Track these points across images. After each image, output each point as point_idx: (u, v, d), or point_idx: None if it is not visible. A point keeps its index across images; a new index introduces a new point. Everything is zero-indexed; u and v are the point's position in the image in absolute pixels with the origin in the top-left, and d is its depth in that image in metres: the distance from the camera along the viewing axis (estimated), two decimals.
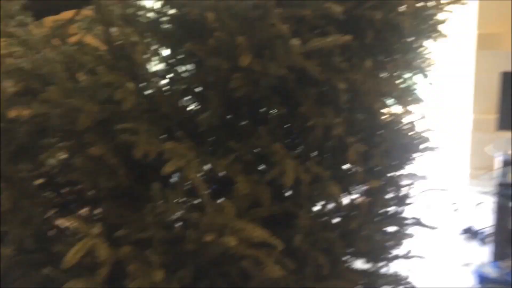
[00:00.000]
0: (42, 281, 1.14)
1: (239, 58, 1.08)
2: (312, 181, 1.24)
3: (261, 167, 1.24)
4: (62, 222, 1.24)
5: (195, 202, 1.15)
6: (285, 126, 1.30)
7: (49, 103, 1.05)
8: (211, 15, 1.09)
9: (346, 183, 1.36)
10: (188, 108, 1.28)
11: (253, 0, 1.08)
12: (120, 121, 1.08)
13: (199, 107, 1.25)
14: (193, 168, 1.07)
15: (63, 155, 1.17)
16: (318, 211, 1.34)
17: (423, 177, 3.59)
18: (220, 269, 1.16)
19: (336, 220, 1.39)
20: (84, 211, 1.26)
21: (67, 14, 1.54)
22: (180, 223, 1.14)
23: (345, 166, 1.39)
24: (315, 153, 1.32)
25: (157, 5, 1.27)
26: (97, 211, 1.23)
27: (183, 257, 1.10)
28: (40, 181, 1.22)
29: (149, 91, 1.28)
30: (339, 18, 1.19)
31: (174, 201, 1.09)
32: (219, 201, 1.13)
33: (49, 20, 1.40)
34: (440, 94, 4.44)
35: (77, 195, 1.28)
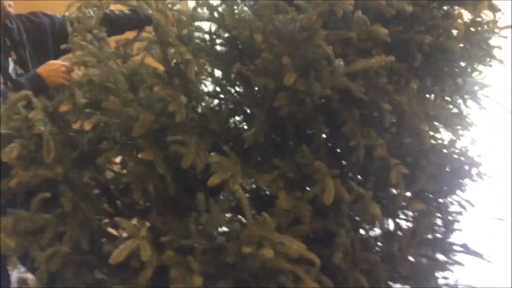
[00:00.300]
0: (92, 283, 1.22)
1: (284, 77, 1.13)
2: (354, 201, 1.25)
3: (303, 184, 1.27)
4: (114, 230, 1.33)
5: (237, 214, 1.20)
6: (328, 145, 1.32)
7: (110, 112, 1.15)
8: (259, 37, 1.16)
9: (389, 205, 1.35)
10: (235, 125, 1.34)
11: (300, 22, 1.13)
12: (172, 132, 1.15)
13: (245, 124, 1.31)
14: (237, 181, 1.12)
15: (118, 163, 1.27)
16: (360, 232, 1.34)
17: (475, 204, 3.37)
18: (258, 283, 1.18)
19: (378, 242, 1.38)
20: (134, 220, 1.34)
21: (129, 34, 1.67)
22: (222, 234, 1.19)
23: (388, 189, 1.39)
24: (358, 173, 1.33)
25: (209, 26, 1.36)
26: (146, 221, 1.31)
27: (223, 268, 1.15)
28: (97, 191, 1.32)
29: (200, 108, 1.36)
30: (385, 41, 1.21)
31: (218, 212, 1.14)
32: (260, 215, 1.16)
33: (113, 39, 1.52)
34: (494, 118, 4.24)
35: (128, 206, 1.37)
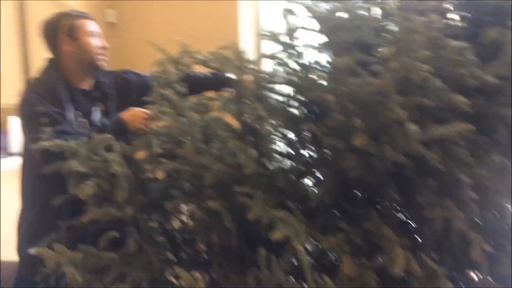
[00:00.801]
0: None
1: (355, 139, 1.12)
2: (425, 277, 1.16)
3: (370, 252, 1.20)
4: (174, 279, 1.33)
5: (298, 275, 1.15)
6: (399, 214, 1.26)
7: (182, 160, 1.19)
8: (332, 98, 1.17)
9: (466, 286, 1.23)
10: (303, 185, 1.33)
11: (374, 85, 1.14)
12: (240, 184, 1.17)
13: (313, 183, 1.29)
14: (299, 240, 1.09)
15: (185, 213, 1.29)
16: None
17: None
18: None
19: None
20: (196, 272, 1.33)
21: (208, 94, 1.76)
22: None
23: (466, 270, 1.27)
24: (432, 247, 1.24)
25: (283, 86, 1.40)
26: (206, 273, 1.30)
27: None
28: (162, 238, 1.34)
29: (270, 166, 1.38)
30: (465, 111, 1.18)
31: (278, 270, 1.11)
32: (322, 278, 1.11)
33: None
34: None
35: (191, 256, 1.37)
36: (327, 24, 1.38)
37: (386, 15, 1.47)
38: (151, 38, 4.14)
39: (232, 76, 1.96)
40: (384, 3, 1.47)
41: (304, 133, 1.44)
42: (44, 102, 1.69)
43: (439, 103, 1.18)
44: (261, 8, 3.65)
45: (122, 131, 1.70)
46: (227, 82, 1.96)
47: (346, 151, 1.16)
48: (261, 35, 1.54)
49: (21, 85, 4.46)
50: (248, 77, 1.95)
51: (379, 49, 1.25)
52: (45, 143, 1.39)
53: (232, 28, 3.65)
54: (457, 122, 1.14)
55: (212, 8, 3.73)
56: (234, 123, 1.43)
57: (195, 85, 1.87)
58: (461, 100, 1.16)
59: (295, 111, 1.50)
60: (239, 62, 1.29)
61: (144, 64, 3.95)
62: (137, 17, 4.00)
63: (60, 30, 1.80)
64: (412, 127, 1.09)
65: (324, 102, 1.26)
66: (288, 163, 1.48)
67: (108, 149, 1.36)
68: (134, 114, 1.75)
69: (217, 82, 1.92)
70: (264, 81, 1.33)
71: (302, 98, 1.45)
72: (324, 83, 1.28)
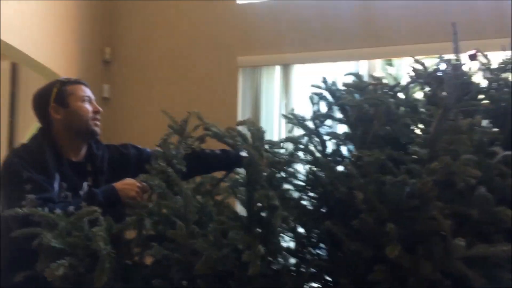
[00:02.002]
0: None
1: (386, 248, 0.94)
2: None
3: None
4: None
5: None
6: None
7: (172, 245, 1.00)
8: (360, 195, 1.01)
9: None
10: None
11: (411, 187, 0.98)
12: (238, 281, 0.97)
13: None
14: None
15: None
16: None
17: None
18: None
19: None
20: None
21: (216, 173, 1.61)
22: None
23: None
24: None
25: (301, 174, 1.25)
26: None
27: None
28: None
29: (276, 265, 1.18)
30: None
31: None
32: None
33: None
34: None
35: None
36: (356, 113, 1.26)
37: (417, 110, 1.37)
38: (144, 112, 4.08)
39: (244, 154, 1.82)
40: (417, 100, 1.37)
41: (316, 230, 1.27)
42: (29, 168, 1.53)
43: (482, 215, 1.02)
44: (260, 75, 3.59)
45: (113, 201, 1.51)
46: (238, 162, 1.82)
47: (373, 260, 0.98)
48: (284, 117, 1.41)
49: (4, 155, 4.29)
50: (263, 156, 1.82)
51: (415, 148, 1.11)
52: (21, 210, 1.20)
53: (231, 100, 3.59)
54: (505, 243, 0.97)
55: (211, 78, 3.70)
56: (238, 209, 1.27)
57: (203, 162, 1.72)
58: (507, 214, 1.01)
59: (309, 204, 1.34)
60: (257, 141, 1.14)
61: (137, 137, 3.85)
62: (130, 92, 3.99)
63: (50, 98, 1.68)
64: (457, 242, 0.92)
65: (348, 199, 1.10)
66: (294, 262, 1.29)
67: (93, 223, 1.17)
68: (127, 183, 1.58)
69: (227, 161, 1.76)
70: (280, 166, 1.17)
71: (321, 190, 1.29)
72: (350, 175, 1.12)
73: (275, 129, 3.46)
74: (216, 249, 1.06)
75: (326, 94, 1.45)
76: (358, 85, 1.36)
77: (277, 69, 3.52)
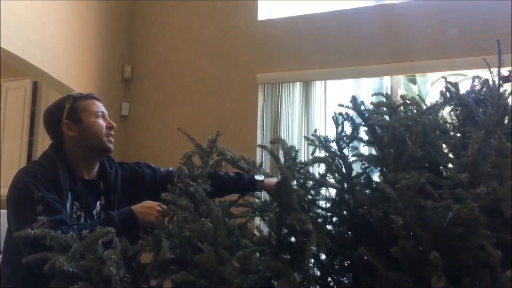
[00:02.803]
0: None
1: (431, 278, 0.87)
2: None
3: None
4: None
5: None
6: None
7: (199, 270, 0.94)
8: (400, 220, 0.94)
9: None
10: None
11: (454, 212, 0.92)
12: None
13: None
14: None
15: None
16: None
17: None
18: None
19: None
20: None
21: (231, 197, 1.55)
22: None
23: None
24: None
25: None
26: None
27: None
28: None
29: None
30: None
31: None
32: None
33: None
34: None
35: None
36: (390, 134, 1.19)
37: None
38: (163, 130, 4.04)
39: (260, 178, 1.75)
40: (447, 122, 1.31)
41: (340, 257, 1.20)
42: (40, 187, 1.47)
43: None
44: (281, 92, 3.54)
45: (130, 225, 1.46)
46: (252, 186, 1.69)
47: None
48: (306, 139, 1.35)
49: None
50: (273, 181, 1.74)
51: (453, 171, 1.04)
52: (32, 232, 1.15)
53: (251, 117, 3.54)
54: None
55: (231, 94, 3.67)
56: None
57: (218, 185, 1.60)
58: None
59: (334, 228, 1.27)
60: (290, 160, 1.09)
61: (155, 155, 3.79)
62: (150, 110, 3.99)
63: (63, 114, 1.64)
64: (508, 275, 0.84)
65: (382, 224, 1.04)
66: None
67: (107, 245, 1.12)
68: (146, 206, 1.51)
69: (241, 184, 1.70)
70: (311, 188, 1.11)
71: (347, 214, 1.23)
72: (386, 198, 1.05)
73: (293, 143, 3.41)
74: (245, 277, 1.00)
75: (352, 113, 1.39)
76: (390, 105, 1.30)
77: (298, 85, 3.47)
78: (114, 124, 1.68)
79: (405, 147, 1.18)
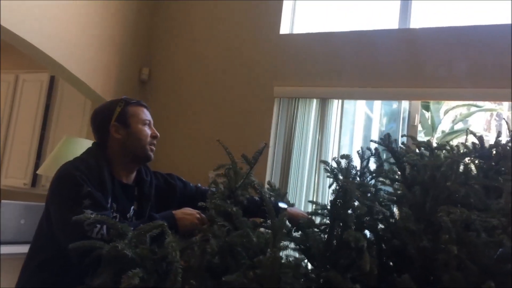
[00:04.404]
0: None
1: None
2: None
3: None
4: None
5: None
6: None
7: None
8: (454, 250, 1.00)
9: None
10: None
11: (505, 248, 0.98)
12: None
13: None
14: None
15: None
16: None
17: None
18: None
19: None
20: None
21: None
22: None
23: None
24: None
25: None
26: None
27: None
28: None
29: None
30: None
31: None
32: None
33: None
34: None
35: None
36: (429, 173, 1.26)
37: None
38: (177, 135, 4.05)
39: (283, 206, 1.77)
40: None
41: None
42: (88, 182, 1.51)
43: None
44: (297, 107, 3.57)
45: (170, 228, 1.51)
46: (261, 214, 1.72)
47: None
48: (327, 172, 1.36)
49: (28, 169, 4.28)
50: (296, 211, 1.77)
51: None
52: (90, 215, 1.19)
53: (265, 130, 3.58)
54: None
55: (247, 105, 3.70)
56: None
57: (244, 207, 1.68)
58: None
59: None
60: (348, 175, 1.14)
61: (170, 159, 3.78)
62: (165, 114, 4.03)
63: (113, 116, 1.69)
64: None
65: (422, 256, 1.09)
66: None
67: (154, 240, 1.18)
68: (187, 213, 1.56)
69: (263, 209, 1.72)
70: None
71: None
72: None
73: (306, 163, 3.45)
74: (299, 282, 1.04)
75: (379, 149, 1.42)
76: (428, 145, 1.37)
77: (314, 102, 3.51)
78: (158, 134, 1.74)
79: (445, 187, 1.24)
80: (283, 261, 1.14)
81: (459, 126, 5.85)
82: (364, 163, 1.40)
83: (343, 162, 1.25)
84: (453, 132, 5.73)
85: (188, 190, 1.85)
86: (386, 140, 1.41)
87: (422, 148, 1.39)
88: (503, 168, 1.38)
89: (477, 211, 1.17)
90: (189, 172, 3.44)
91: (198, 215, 1.55)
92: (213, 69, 3.91)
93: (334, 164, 1.31)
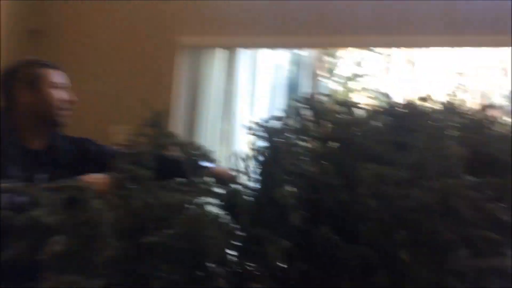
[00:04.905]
0: None
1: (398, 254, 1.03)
2: None
3: None
4: None
5: None
6: None
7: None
8: (373, 203, 1.09)
9: None
10: None
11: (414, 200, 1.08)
12: None
13: None
14: None
15: None
16: None
17: None
18: None
19: None
20: None
21: None
22: None
23: None
24: None
25: None
26: None
27: None
28: None
29: None
30: None
31: None
32: None
33: None
34: None
35: None
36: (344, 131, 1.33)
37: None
38: (75, 91, 3.84)
39: (208, 164, 1.75)
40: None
41: None
42: None
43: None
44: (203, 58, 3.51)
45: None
46: (199, 172, 1.73)
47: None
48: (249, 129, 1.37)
49: None
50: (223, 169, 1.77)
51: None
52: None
53: (169, 83, 3.48)
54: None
55: (148, 57, 3.56)
56: None
57: (163, 167, 1.64)
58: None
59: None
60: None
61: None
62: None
63: (19, 78, 1.54)
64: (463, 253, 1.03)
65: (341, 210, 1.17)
66: None
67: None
68: (97, 178, 1.50)
69: (181, 167, 1.66)
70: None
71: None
72: None
73: (216, 116, 3.46)
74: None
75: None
76: (346, 102, 1.44)
77: (221, 52, 3.47)
78: (75, 98, 1.62)
79: (363, 144, 1.33)
80: (206, 218, 1.15)
81: (358, 69, 6.23)
82: (289, 121, 1.44)
83: (270, 122, 1.27)
84: (351, 76, 6.11)
85: (104, 153, 1.76)
86: (309, 98, 1.45)
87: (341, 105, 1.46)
88: (410, 125, 1.51)
89: (389, 166, 1.28)
90: (92, 129, 3.28)
91: (106, 180, 1.48)
92: (113, 19, 3.67)
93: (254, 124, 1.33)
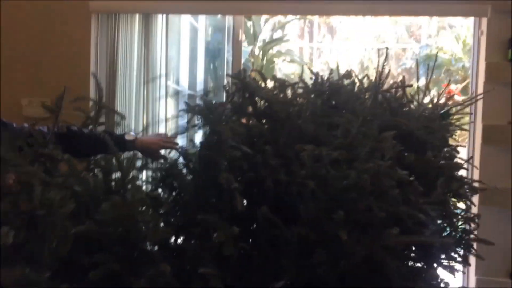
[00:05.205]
0: None
1: (336, 232, 1.08)
2: None
3: None
4: None
5: None
6: None
7: None
8: (311, 184, 1.13)
9: None
10: None
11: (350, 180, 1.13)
12: None
13: None
14: None
15: None
16: None
17: None
18: None
19: None
20: None
21: None
22: None
23: None
24: None
25: None
26: None
27: None
28: None
29: None
30: None
31: None
32: None
33: None
34: None
35: None
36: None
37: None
38: None
39: (130, 138, 1.64)
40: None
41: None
42: None
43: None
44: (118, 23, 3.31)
45: None
46: (121, 146, 1.52)
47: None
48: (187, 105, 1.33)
49: None
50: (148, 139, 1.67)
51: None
52: None
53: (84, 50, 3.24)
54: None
55: (60, 23, 3.26)
56: None
57: (81, 143, 1.53)
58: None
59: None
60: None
61: None
62: None
63: None
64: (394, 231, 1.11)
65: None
66: None
67: None
68: None
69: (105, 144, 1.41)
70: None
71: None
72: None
73: (133, 81, 3.32)
74: None
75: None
76: (279, 80, 1.45)
77: (137, 17, 3.30)
78: None
79: (296, 124, 1.35)
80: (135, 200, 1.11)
81: (278, 34, 6.31)
82: (228, 99, 1.42)
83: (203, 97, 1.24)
84: (272, 41, 6.19)
85: (13, 132, 1.57)
86: (242, 75, 1.44)
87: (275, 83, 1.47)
88: (334, 102, 1.56)
89: (323, 145, 1.32)
90: (5, 101, 3.03)
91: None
92: None
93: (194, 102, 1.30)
